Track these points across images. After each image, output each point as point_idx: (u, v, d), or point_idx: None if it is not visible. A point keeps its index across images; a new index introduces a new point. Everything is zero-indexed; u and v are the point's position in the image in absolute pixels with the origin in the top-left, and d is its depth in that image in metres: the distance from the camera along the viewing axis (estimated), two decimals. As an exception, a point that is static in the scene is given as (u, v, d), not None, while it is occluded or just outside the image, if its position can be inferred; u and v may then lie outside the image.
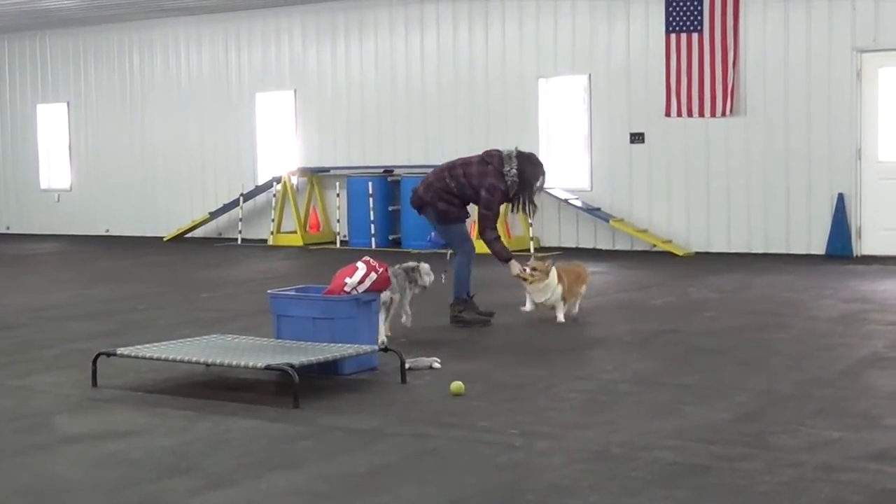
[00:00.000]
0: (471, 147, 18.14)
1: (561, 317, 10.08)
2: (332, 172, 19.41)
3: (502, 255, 10.05)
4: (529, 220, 13.98)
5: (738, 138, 16.26)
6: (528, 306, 10.15)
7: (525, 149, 10.39)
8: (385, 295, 8.79)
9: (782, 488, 5.10)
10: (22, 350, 9.21)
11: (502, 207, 10.53)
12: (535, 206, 10.35)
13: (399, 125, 19.06)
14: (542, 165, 10.29)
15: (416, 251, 17.18)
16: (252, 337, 8.40)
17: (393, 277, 8.92)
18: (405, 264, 9.48)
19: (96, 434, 6.35)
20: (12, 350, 9.21)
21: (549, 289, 9.97)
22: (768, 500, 4.94)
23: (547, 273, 9.92)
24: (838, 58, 15.52)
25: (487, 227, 10.07)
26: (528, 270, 9.89)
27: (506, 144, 18.08)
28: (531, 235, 17.27)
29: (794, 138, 15.87)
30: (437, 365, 7.99)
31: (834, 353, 8.52)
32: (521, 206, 10.24)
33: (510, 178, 10.00)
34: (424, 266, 9.47)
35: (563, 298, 10.11)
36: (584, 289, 10.49)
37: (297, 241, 19.13)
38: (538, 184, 10.19)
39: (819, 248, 15.70)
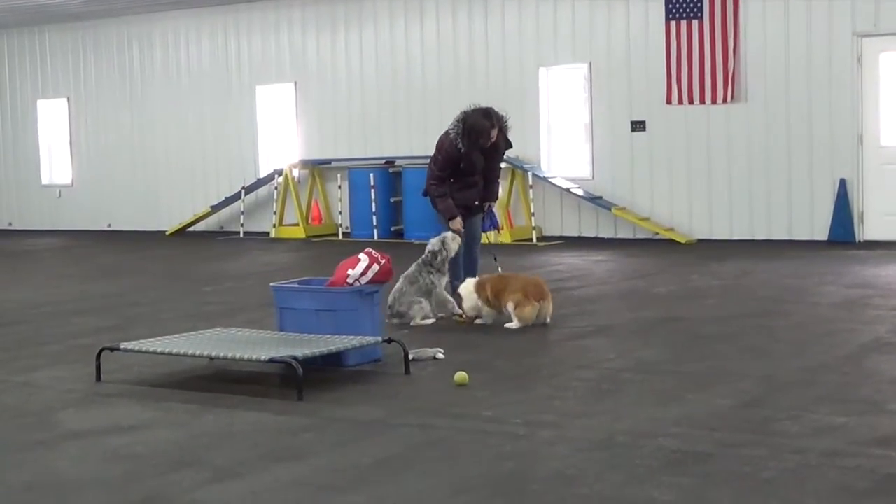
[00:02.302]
0: (472, 137, 18.23)
1: (487, 321, 9.50)
2: (333, 164, 19.40)
3: (447, 213, 10.17)
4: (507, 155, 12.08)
5: (740, 125, 16.24)
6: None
7: (521, 140, 10.53)
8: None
9: (787, 475, 5.11)
10: (25, 346, 9.21)
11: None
12: (509, 142, 10.47)
13: (400, 116, 19.04)
14: (491, 113, 10.14)
15: (417, 242, 17.22)
16: (255, 330, 8.41)
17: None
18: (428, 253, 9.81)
19: (101, 429, 6.36)
20: (15, 346, 9.22)
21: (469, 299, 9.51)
22: (773, 487, 4.94)
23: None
24: (839, 43, 15.49)
25: (431, 184, 10.24)
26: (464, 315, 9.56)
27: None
28: (533, 225, 17.27)
29: (795, 124, 15.85)
30: (440, 356, 8.00)
31: (837, 338, 8.51)
32: (491, 152, 10.26)
33: (454, 131, 10.11)
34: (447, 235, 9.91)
35: (493, 308, 9.43)
36: (516, 297, 9.30)
37: (299, 233, 19.13)
38: (489, 127, 10.02)
39: (821, 233, 15.69)
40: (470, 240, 10.42)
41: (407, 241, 17.40)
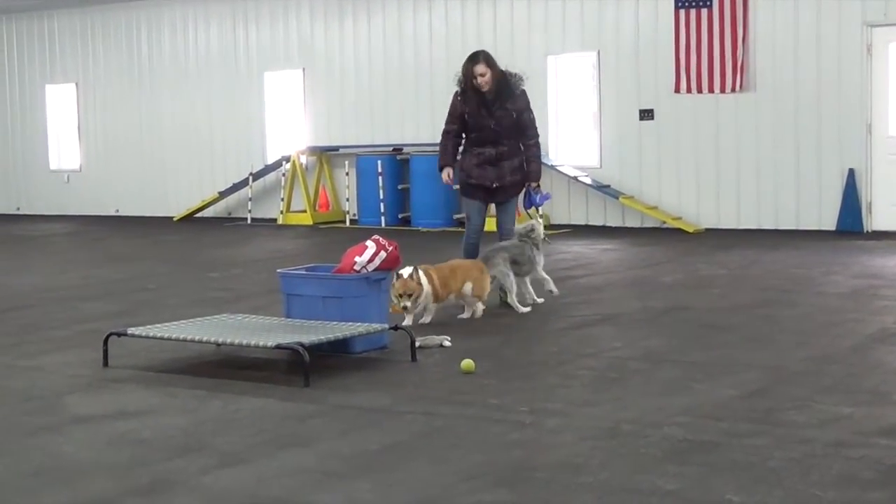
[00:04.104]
0: (480, 125, 18.21)
1: (428, 319, 8.96)
2: (341, 151, 19.40)
3: (440, 160, 9.92)
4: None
5: (748, 114, 16.21)
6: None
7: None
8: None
9: (792, 465, 5.11)
10: (32, 331, 9.23)
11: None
12: (526, 104, 9.79)
13: (408, 103, 19.02)
14: (479, 53, 9.80)
15: (425, 229, 17.22)
16: (262, 316, 8.42)
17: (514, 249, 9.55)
18: (519, 233, 9.81)
19: (108, 414, 6.37)
20: (23, 331, 9.24)
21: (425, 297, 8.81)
22: (778, 477, 4.95)
23: (419, 284, 8.64)
24: (848, 32, 15.44)
25: (440, 140, 10.02)
26: (406, 305, 8.57)
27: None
28: (540, 213, 17.22)
29: (804, 114, 15.82)
30: (447, 343, 8.00)
31: (844, 329, 8.50)
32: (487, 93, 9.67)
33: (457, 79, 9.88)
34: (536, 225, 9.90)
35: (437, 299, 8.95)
36: (469, 287, 9.07)
37: (306, 220, 19.14)
38: (471, 66, 9.66)
39: (829, 223, 15.66)
40: (499, 230, 10.03)
41: (414, 229, 17.40)
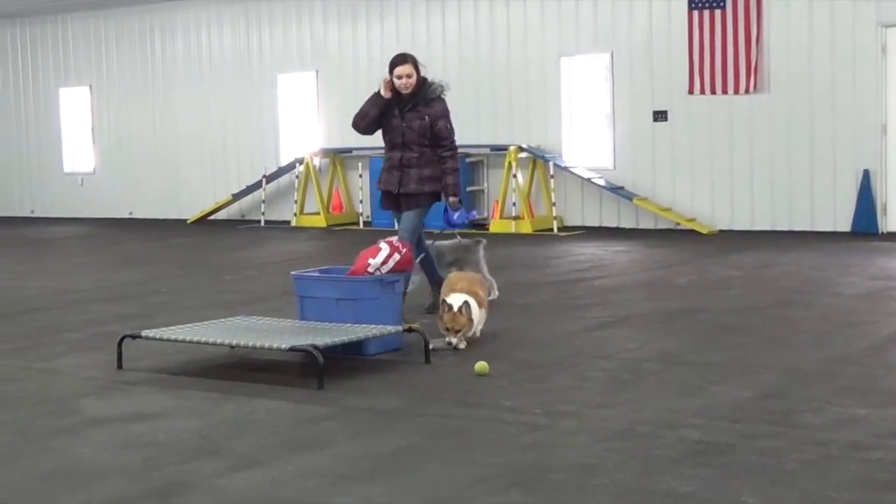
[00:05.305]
0: (493, 126, 18.22)
1: (478, 331, 8.22)
2: (354, 153, 19.40)
3: (367, 109, 9.34)
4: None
5: (762, 115, 16.17)
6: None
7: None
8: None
9: (808, 466, 5.09)
10: (47, 333, 9.25)
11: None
12: (445, 114, 9.25)
13: (421, 105, 18.99)
14: (407, 55, 9.30)
15: (437, 231, 17.24)
16: (276, 318, 8.42)
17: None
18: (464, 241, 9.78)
19: (122, 416, 6.38)
20: (37, 333, 9.25)
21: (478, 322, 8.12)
22: (794, 479, 4.92)
23: (469, 319, 7.89)
24: (863, 33, 15.40)
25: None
26: (453, 341, 7.86)
27: (528, 124, 18.07)
28: (554, 215, 17.24)
29: (818, 114, 15.78)
30: (461, 346, 7.98)
31: (860, 330, 8.47)
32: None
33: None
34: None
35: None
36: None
37: (320, 222, 19.16)
38: (398, 62, 9.18)
39: (844, 225, 15.62)
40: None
41: (427, 231, 17.37)
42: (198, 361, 7.80)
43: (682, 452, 5.34)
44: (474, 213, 9.74)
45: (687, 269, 12.43)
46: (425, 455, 5.47)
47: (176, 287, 11.94)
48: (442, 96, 9.31)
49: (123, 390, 7.07)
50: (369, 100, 9.41)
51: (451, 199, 9.29)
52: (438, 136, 9.24)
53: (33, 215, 23.75)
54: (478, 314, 7.99)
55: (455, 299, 7.88)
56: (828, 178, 15.75)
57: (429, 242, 9.72)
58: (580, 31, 17.58)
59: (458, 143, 9.49)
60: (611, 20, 17.28)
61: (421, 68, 9.23)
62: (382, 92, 9.20)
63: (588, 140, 17.76)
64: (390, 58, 9.40)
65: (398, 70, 9.18)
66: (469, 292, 7.99)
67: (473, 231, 17.47)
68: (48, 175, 23.76)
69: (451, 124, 9.35)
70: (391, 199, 9.42)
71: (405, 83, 9.16)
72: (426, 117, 9.19)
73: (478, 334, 8.19)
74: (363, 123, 9.51)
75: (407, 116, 9.21)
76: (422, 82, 9.26)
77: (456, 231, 9.71)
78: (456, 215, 9.36)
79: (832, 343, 8.01)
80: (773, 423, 5.82)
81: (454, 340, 7.86)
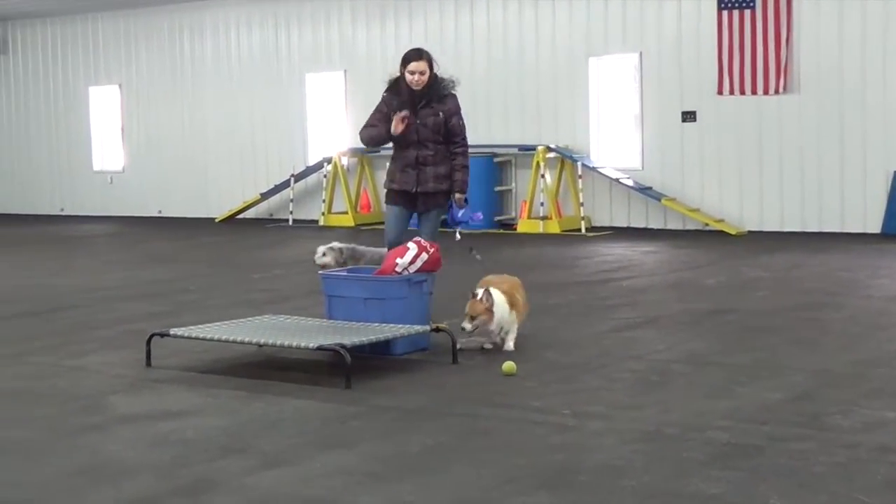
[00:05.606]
0: (521, 126, 18.20)
1: (511, 344, 7.98)
2: (381, 153, 19.39)
3: (375, 133, 9.19)
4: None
5: (792, 115, 16.09)
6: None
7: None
8: None
9: (837, 469, 5.06)
10: (76, 331, 9.30)
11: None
12: (458, 112, 9.11)
13: (449, 105, 18.99)
14: (422, 50, 9.25)
15: (464, 231, 17.19)
16: (304, 317, 8.44)
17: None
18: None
19: (151, 414, 6.41)
20: (67, 331, 9.31)
21: (501, 318, 7.91)
22: (823, 481, 4.90)
23: (490, 310, 7.74)
24: (893, 32, 15.30)
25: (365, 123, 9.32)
26: (468, 327, 7.73)
27: (556, 124, 18.04)
28: (582, 215, 17.21)
29: (848, 115, 15.69)
30: (488, 346, 7.98)
31: (889, 332, 8.42)
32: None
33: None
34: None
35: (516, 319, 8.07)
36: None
37: (348, 221, 19.18)
38: (413, 57, 9.09)
39: (874, 226, 15.52)
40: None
41: (454, 230, 17.36)
42: (226, 360, 7.83)
43: (710, 454, 5.33)
44: (479, 214, 9.50)
45: (715, 270, 12.39)
46: (453, 455, 5.47)
47: (204, 285, 11.98)
48: (453, 92, 9.19)
49: (152, 388, 7.11)
50: (376, 115, 9.17)
51: (458, 195, 9.02)
52: (452, 133, 9.06)
53: (63, 213, 23.89)
54: (507, 315, 7.90)
55: (481, 289, 7.82)
56: (858, 178, 15.66)
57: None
58: (609, 31, 17.54)
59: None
60: (640, 20, 17.24)
61: (435, 66, 9.10)
62: (393, 129, 8.91)
63: (616, 140, 17.71)
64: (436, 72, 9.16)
65: (412, 66, 9.02)
66: (506, 293, 7.93)
67: (493, 231, 17.46)
68: (78, 173, 23.89)
69: (463, 121, 9.23)
70: (407, 198, 9.08)
71: (417, 80, 8.99)
72: (440, 114, 8.99)
73: (510, 345, 7.92)
74: (372, 143, 9.40)
75: (421, 113, 8.97)
76: (434, 78, 9.11)
77: (457, 230, 9.58)
78: (461, 213, 9.10)
79: (861, 345, 7.96)
80: (802, 426, 5.79)
81: (468, 327, 7.70)
